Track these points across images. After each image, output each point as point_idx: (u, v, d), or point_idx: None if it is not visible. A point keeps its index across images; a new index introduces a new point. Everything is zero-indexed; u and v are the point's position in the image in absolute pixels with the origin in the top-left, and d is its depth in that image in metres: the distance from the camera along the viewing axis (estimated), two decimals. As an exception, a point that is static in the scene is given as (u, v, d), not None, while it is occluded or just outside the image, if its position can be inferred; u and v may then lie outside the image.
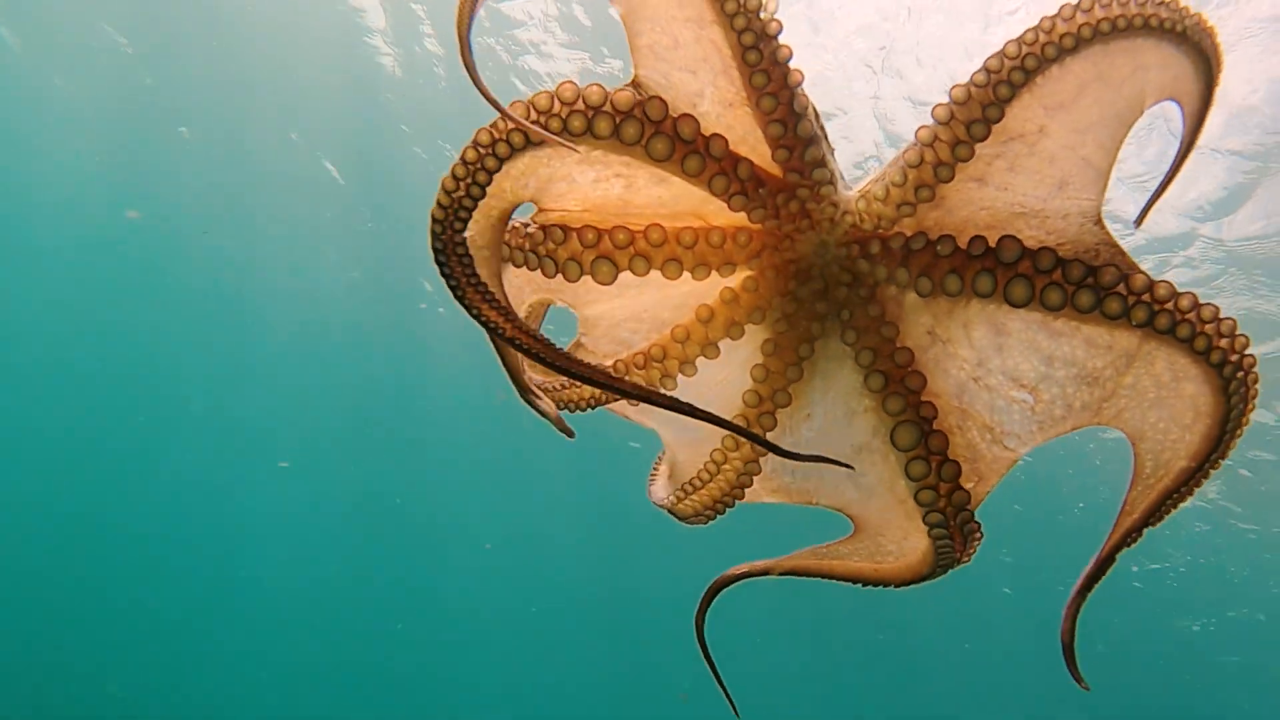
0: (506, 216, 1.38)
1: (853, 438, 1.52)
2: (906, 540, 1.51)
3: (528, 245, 1.37)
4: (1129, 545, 1.39)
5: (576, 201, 1.40)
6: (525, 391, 1.53)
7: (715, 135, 1.29)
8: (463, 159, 1.29)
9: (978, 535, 1.45)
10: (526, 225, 1.39)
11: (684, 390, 1.46)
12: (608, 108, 1.26)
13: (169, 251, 17.82)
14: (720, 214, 1.39)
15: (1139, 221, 1.48)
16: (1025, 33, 1.21)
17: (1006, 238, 1.28)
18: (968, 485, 1.45)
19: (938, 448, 1.42)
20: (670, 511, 1.66)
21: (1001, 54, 1.21)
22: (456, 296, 1.32)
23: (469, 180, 1.29)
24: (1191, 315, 1.26)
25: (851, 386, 1.48)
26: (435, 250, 1.31)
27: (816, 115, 1.35)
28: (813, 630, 22.65)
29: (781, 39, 1.26)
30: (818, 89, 10.01)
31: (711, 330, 1.43)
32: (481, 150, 1.29)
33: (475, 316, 1.31)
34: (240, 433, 22.78)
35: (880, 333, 1.41)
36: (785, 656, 24.47)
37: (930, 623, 20.78)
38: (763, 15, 1.24)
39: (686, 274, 1.38)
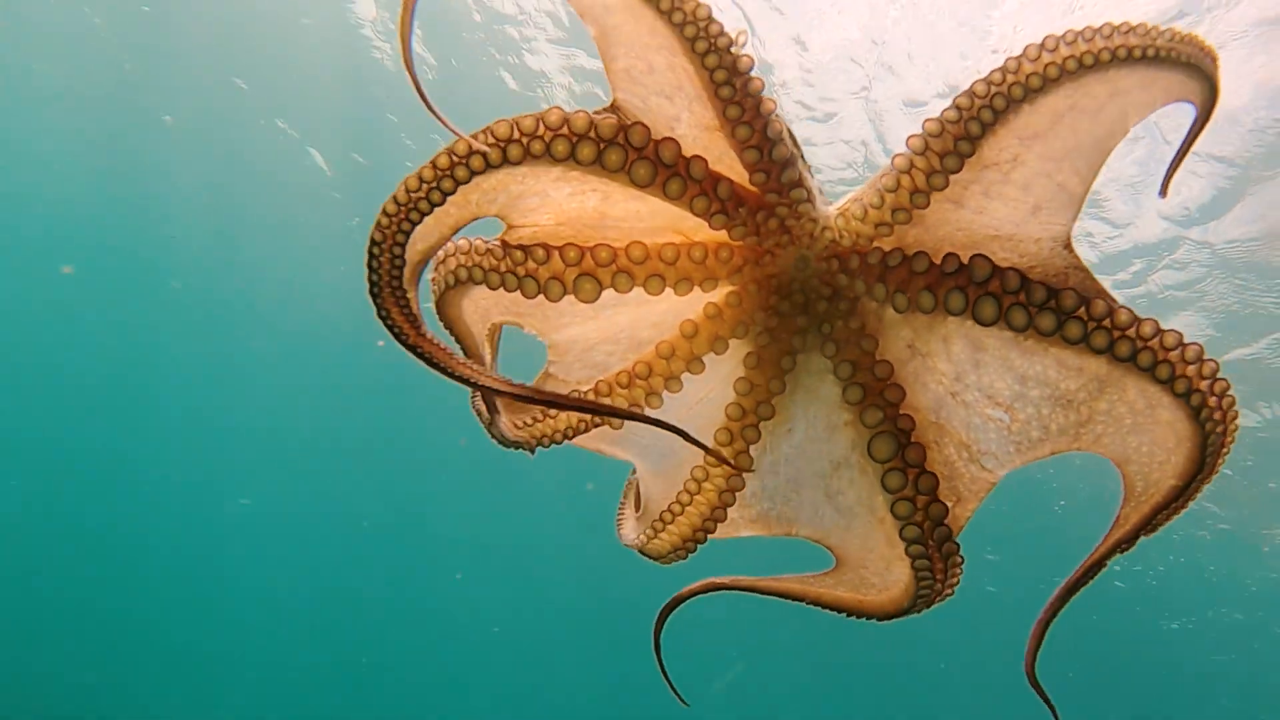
0: (459, 228, 1.38)
1: (832, 452, 1.53)
2: (889, 571, 1.52)
3: (504, 267, 1.36)
4: (1122, 552, 1.39)
5: (550, 215, 1.41)
6: (492, 413, 1.53)
7: (695, 157, 1.30)
8: (433, 163, 1.29)
9: (958, 559, 1.45)
10: (504, 245, 1.39)
11: (663, 411, 1.47)
12: (592, 134, 1.26)
13: (152, 243, 17.70)
14: (700, 228, 1.40)
15: (1163, 191, 1.45)
16: (993, 73, 1.21)
17: (978, 256, 1.30)
18: (945, 502, 1.46)
19: (915, 460, 1.43)
20: (642, 551, 1.63)
21: (971, 93, 1.22)
22: (372, 293, 1.33)
23: (433, 185, 1.29)
24: (1154, 343, 1.26)
25: (832, 400, 1.49)
26: (374, 241, 1.32)
27: (792, 137, 1.37)
28: (795, 631, 22.72)
29: (754, 73, 1.27)
30: (809, 89, 10.02)
31: (696, 345, 1.44)
32: (455, 159, 1.28)
33: (383, 319, 1.33)
34: (221, 431, 22.63)
35: (860, 345, 1.42)
36: (769, 657, 24.53)
37: (915, 621, 20.84)
38: (733, 50, 1.24)
39: (666, 291, 1.38)
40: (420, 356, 1.32)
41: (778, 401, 1.48)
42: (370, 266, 1.32)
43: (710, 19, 1.23)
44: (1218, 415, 1.27)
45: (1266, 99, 8.06)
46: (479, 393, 1.54)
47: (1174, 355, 1.26)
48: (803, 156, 1.40)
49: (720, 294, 1.44)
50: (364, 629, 27.45)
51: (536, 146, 1.26)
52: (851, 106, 10.08)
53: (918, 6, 8.68)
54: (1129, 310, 1.27)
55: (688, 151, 1.30)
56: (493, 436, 1.57)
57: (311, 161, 14.37)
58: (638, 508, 1.75)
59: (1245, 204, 9.12)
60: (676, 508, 1.53)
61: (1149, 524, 1.36)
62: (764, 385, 1.46)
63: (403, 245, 1.32)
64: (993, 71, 1.21)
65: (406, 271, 1.34)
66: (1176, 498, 1.34)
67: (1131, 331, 1.27)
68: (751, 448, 1.49)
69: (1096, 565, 1.38)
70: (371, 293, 1.33)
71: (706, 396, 1.53)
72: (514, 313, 1.53)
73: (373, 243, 1.32)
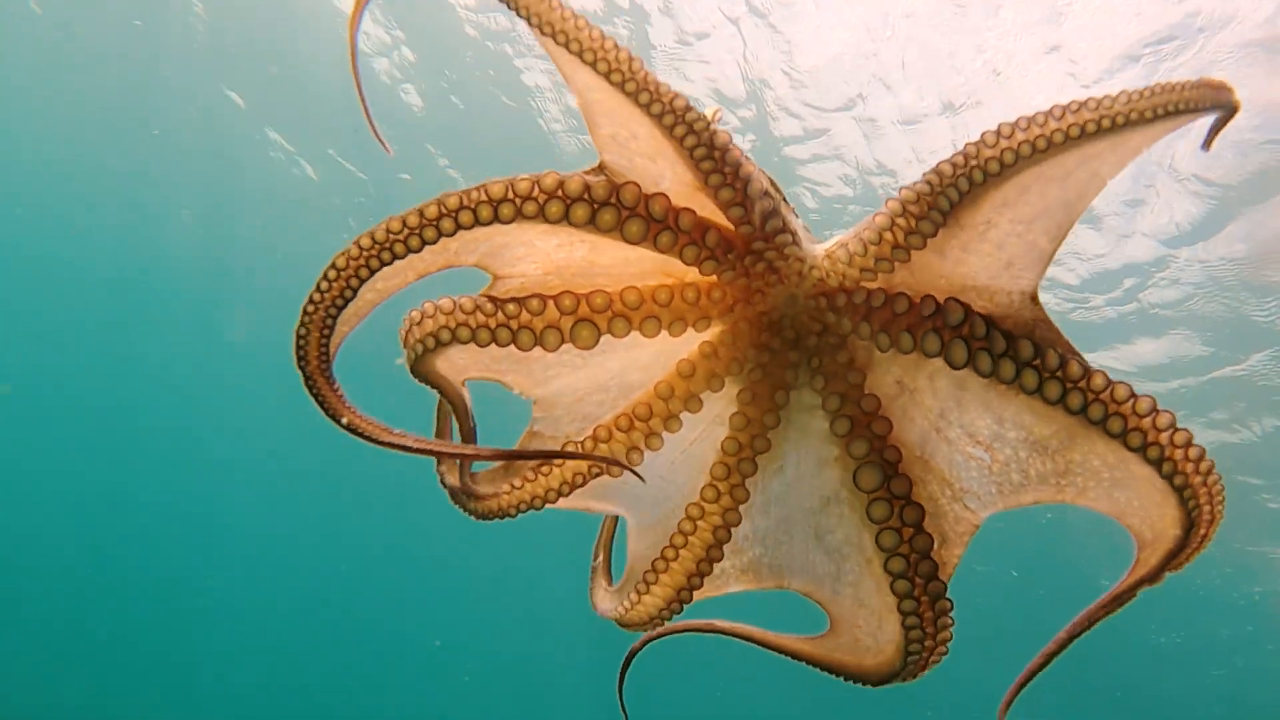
0: (428, 274, 1.39)
1: (822, 488, 1.55)
2: (881, 629, 1.53)
3: (494, 322, 1.37)
4: (1149, 585, 1.38)
5: (538, 265, 1.43)
6: (463, 480, 1.52)
7: (684, 209, 1.33)
8: (420, 211, 1.30)
9: (946, 604, 1.46)
10: (493, 300, 1.40)
11: (659, 452, 1.49)
12: (585, 196, 1.29)
13: (142, 254, 17.65)
14: (689, 270, 1.43)
15: (1206, 145, 1.37)
16: (955, 155, 1.25)
17: (952, 301, 1.34)
18: (930, 534, 1.48)
19: (900, 491, 1.45)
20: (623, 621, 1.60)
21: (938, 171, 1.26)
22: (305, 309, 1.33)
23: (415, 231, 1.30)
24: (1104, 395, 1.29)
25: (822, 435, 1.52)
26: (334, 266, 1.32)
27: (774, 184, 1.41)
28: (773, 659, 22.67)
29: (732, 145, 1.31)
30: (804, 105, 10.05)
31: (694, 384, 1.46)
32: (444, 210, 1.30)
33: (300, 338, 1.34)
34: (211, 449, 22.51)
35: (848, 379, 1.45)
36: (757, 672, 24.49)
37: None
38: (711, 129, 1.28)
39: (654, 335, 1.41)
40: (315, 396, 1.34)
41: (772, 435, 1.50)
42: (319, 286, 1.33)
43: (687, 108, 1.26)
44: (1186, 468, 1.28)
45: (1256, 119, 8.13)
46: (443, 461, 1.53)
47: (1125, 408, 1.29)
48: (785, 200, 1.44)
49: (714, 332, 1.47)
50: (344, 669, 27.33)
51: (530, 208, 1.28)
52: (845, 122, 10.12)
53: (913, 23, 8.73)
54: (1080, 362, 1.31)
55: (676, 204, 1.34)
56: (468, 510, 1.53)
57: (302, 172, 14.37)
58: (608, 578, 1.73)
59: (1236, 223, 9.19)
60: (670, 552, 1.53)
61: (1167, 566, 1.36)
62: (759, 419, 1.48)
63: (362, 280, 1.33)
64: (955, 154, 1.25)
65: (352, 306, 1.35)
66: (1183, 546, 1.34)
67: (1083, 384, 1.30)
68: (747, 481, 1.51)
69: (1118, 600, 1.39)
70: (305, 309, 1.34)
71: (701, 436, 1.56)
72: (494, 370, 1.52)
73: (333, 267, 1.32)
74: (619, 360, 1.51)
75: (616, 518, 1.76)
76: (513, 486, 1.52)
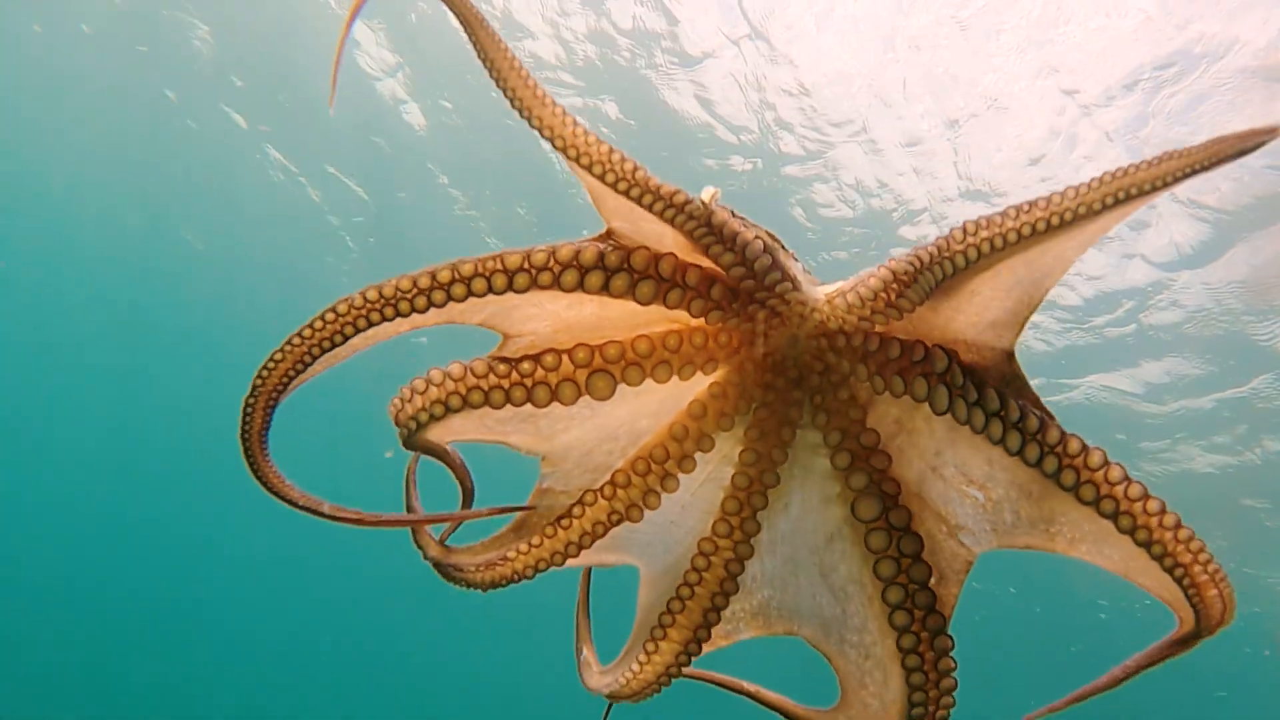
0: (422, 327, 1.40)
1: (826, 525, 1.59)
2: (886, 687, 1.54)
3: (508, 382, 1.39)
4: (1208, 635, 1.36)
5: (548, 324, 1.46)
6: (451, 555, 1.52)
7: (691, 265, 1.38)
8: (432, 273, 1.32)
9: (947, 645, 1.47)
10: (505, 360, 1.41)
11: (673, 494, 1.52)
12: (600, 264, 1.33)
13: (142, 271, 17.70)
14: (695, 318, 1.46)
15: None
16: (931, 244, 1.30)
17: (938, 348, 1.39)
18: (928, 563, 1.51)
19: (899, 523, 1.49)
20: (626, 690, 1.56)
21: (918, 255, 1.31)
22: (289, 342, 1.34)
23: (424, 292, 1.32)
24: (1059, 448, 1.33)
25: (825, 472, 1.56)
26: (336, 311, 1.33)
27: (772, 236, 1.45)
28: (779, 659, 22.67)
29: (730, 219, 1.34)
30: (808, 127, 10.09)
31: (705, 424, 1.49)
32: (457, 276, 1.32)
33: (267, 370, 1.34)
34: (211, 462, 22.50)
35: (849, 415, 1.49)
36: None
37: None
38: (709, 210, 1.31)
39: (666, 380, 1.45)
40: (244, 420, 1.35)
41: (781, 471, 1.53)
42: (312, 324, 1.34)
43: (686, 201, 1.30)
44: (1149, 522, 1.29)
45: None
46: (419, 535, 1.53)
47: (1078, 461, 1.33)
48: (784, 247, 1.49)
49: (721, 374, 1.51)
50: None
51: (545, 278, 1.32)
52: (846, 142, 10.17)
53: (915, 44, 8.79)
54: (1039, 415, 1.35)
55: (681, 261, 1.39)
56: (468, 584, 1.52)
57: (303, 191, 14.42)
58: (597, 664, 1.71)
59: (1237, 248, 9.22)
60: (685, 590, 1.53)
61: (1206, 628, 1.34)
62: (767, 454, 1.51)
63: (358, 330, 1.35)
64: (930, 243, 1.31)
65: (335, 350, 1.37)
66: (1199, 610, 1.32)
67: (1039, 436, 1.35)
68: (758, 514, 1.54)
69: (1180, 645, 1.37)
70: (291, 340, 1.34)
71: (710, 476, 1.60)
72: (498, 431, 1.51)
73: (332, 310, 1.33)
74: (627, 408, 1.54)
75: (589, 613, 1.77)
76: (530, 545, 1.50)
